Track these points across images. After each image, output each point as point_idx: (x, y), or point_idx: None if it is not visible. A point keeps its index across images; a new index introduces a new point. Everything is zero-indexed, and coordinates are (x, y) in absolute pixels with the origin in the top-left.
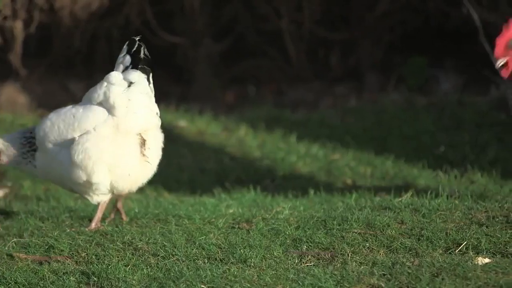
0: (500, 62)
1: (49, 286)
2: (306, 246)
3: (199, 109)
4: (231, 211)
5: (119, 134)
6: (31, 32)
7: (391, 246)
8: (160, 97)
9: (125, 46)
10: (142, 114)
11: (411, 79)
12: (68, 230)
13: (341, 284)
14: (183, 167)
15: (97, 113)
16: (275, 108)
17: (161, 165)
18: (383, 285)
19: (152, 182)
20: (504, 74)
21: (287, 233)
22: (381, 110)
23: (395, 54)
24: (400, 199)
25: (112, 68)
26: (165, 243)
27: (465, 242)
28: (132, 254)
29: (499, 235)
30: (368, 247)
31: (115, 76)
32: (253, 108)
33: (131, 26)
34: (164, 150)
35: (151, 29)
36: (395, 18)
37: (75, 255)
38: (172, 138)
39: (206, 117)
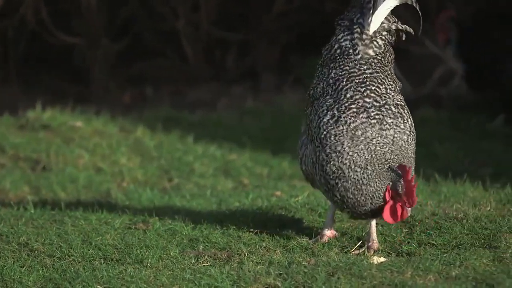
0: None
1: None
2: (203, 246)
3: (96, 110)
4: (128, 211)
5: None
6: None
7: (287, 246)
8: (57, 98)
9: None
10: None
11: (308, 79)
12: None
13: (238, 284)
14: (79, 167)
15: None
16: (172, 109)
17: (57, 165)
18: (279, 284)
19: (48, 183)
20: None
21: (184, 233)
22: (278, 111)
23: (292, 54)
24: (296, 199)
25: (9, 68)
26: (61, 244)
27: (361, 242)
28: (28, 255)
29: (394, 234)
30: (264, 247)
31: None
32: (150, 109)
33: (27, 26)
34: (60, 150)
35: (48, 29)
36: (292, 18)
37: None
38: (67, 138)
39: (103, 117)
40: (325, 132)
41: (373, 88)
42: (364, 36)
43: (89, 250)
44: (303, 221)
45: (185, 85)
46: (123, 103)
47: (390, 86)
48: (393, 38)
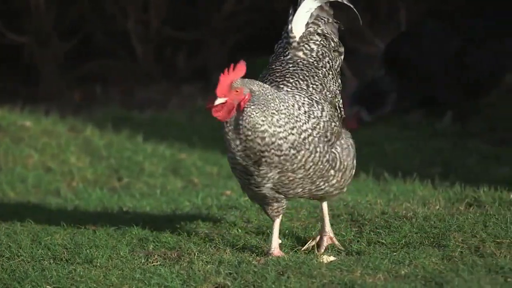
0: (219, 101)
1: None
2: (153, 245)
3: (46, 109)
4: (77, 211)
5: None
6: None
7: (237, 245)
8: (7, 97)
9: None
10: None
11: (258, 79)
12: None
13: (188, 283)
14: (29, 167)
15: None
16: (122, 108)
17: (6, 164)
18: (229, 283)
19: None
20: (220, 116)
21: (134, 232)
22: None
23: (243, 54)
24: (246, 198)
25: None
26: (10, 244)
27: (311, 240)
28: None
29: (344, 233)
30: (214, 246)
31: None
32: (100, 108)
33: None
34: (9, 150)
35: None
36: (242, 18)
37: None
38: (16, 138)
39: (53, 117)
40: None
41: (292, 80)
42: (291, 40)
43: (38, 250)
44: (253, 220)
45: (135, 84)
46: (73, 102)
47: (314, 86)
48: (337, 47)
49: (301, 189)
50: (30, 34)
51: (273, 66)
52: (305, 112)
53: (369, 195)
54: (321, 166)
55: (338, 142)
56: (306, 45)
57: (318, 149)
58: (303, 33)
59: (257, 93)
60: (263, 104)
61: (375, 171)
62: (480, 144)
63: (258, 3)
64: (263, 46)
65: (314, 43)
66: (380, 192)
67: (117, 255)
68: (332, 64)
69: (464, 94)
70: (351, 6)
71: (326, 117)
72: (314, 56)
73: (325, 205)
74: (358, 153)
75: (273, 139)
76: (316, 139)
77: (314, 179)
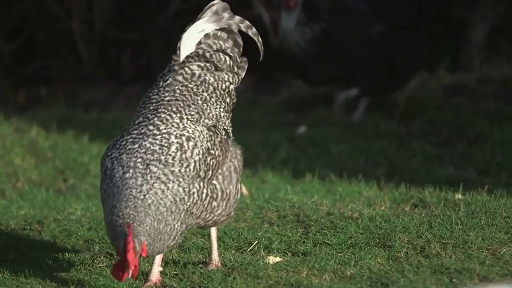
0: (131, 269)
1: None
2: (99, 247)
3: None
4: (22, 212)
5: None
6: None
7: (183, 246)
8: None
9: None
10: None
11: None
12: None
13: (133, 285)
14: None
15: None
16: (67, 109)
17: None
18: (175, 285)
19: None
20: (134, 275)
21: (79, 234)
22: None
23: None
24: None
25: None
26: None
27: (257, 242)
28: None
29: (290, 234)
30: None
31: None
32: (45, 109)
33: None
34: None
35: None
36: (188, 18)
37: None
38: None
39: None
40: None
41: (164, 115)
42: (173, 62)
43: None
44: None
45: (80, 85)
46: (17, 103)
47: (189, 116)
48: (233, 67)
49: (185, 225)
50: None
51: (151, 93)
52: (173, 158)
53: (315, 196)
54: (200, 203)
55: (219, 171)
56: (186, 68)
57: (193, 190)
58: (191, 53)
59: (148, 235)
60: (157, 237)
61: (320, 172)
62: (424, 144)
63: (204, 4)
64: None
65: (199, 66)
66: (326, 193)
67: (63, 256)
68: (218, 85)
69: (384, 78)
70: (256, 39)
71: (198, 155)
72: (195, 81)
73: (214, 230)
74: (304, 154)
75: None
76: (189, 181)
77: (198, 214)
